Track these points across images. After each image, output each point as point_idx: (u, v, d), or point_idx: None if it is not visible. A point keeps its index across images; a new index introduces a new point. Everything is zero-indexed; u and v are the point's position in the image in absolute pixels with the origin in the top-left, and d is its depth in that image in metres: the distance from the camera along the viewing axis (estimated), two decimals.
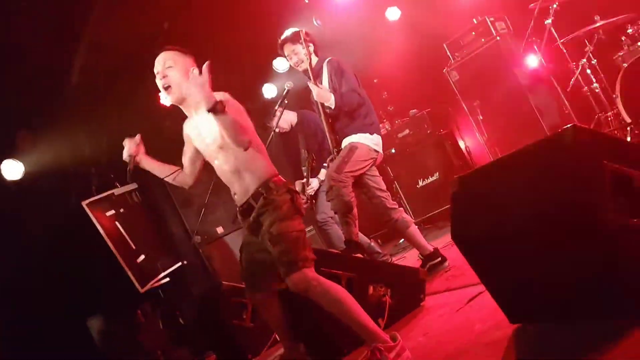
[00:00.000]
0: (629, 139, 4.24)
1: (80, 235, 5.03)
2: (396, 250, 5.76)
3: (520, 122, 5.32)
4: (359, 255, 3.68)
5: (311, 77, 3.93)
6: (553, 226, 1.87)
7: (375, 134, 3.92)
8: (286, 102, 4.39)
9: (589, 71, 4.79)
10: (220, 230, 6.07)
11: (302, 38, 3.95)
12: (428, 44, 6.26)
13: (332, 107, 3.83)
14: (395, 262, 4.72)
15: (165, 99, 2.76)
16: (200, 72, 2.49)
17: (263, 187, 2.69)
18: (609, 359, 1.66)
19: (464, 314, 2.74)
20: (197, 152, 2.94)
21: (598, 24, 4.54)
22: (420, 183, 6.10)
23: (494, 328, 2.30)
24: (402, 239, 5.41)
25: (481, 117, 5.68)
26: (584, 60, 4.73)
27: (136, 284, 4.94)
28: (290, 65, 4.23)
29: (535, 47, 5.11)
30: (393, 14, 6.43)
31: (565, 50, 4.82)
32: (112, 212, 5.21)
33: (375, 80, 6.67)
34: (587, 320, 1.91)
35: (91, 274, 5.08)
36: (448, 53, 5.86)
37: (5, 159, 4.99)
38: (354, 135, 3.88)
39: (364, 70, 5.36)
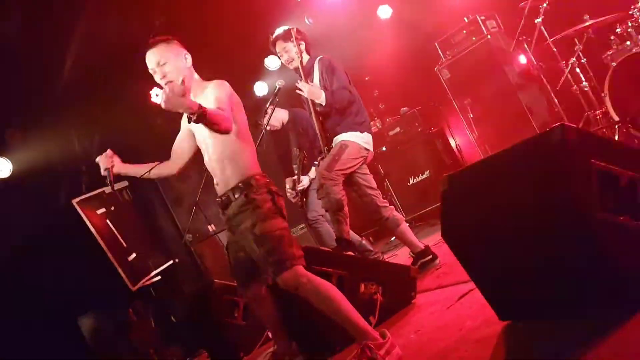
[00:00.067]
0: (617, 137, 4.28)
1: (70, 234, 5.01)
2: (387, 248, 5.77)
3: (510, 121, 5.35)
4: (350, 253, 3.69)
5: (302, 75, 3.93)
6: (541, 224, 1.89)
7: (365, 133, 3.93)
8: (277, 100, 4.39)
9: (578, 70, 4.83)
10: (211, 228, 6.06)
11: (294, 36, 3.95)
12: (419, 42, 6.29)
13: (323, 104, 3.83)
14: (387, 260, 4.73)
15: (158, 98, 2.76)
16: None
17: (244, 183, 2.68)
18: (596, 355, 1.68)
19: (455, 311, 2.75)
20: (189, 141, 2.93)
21: (587, 23, 4.58)
22: (411, 181, 6.13)
23: (484, 325, 2.32)
24: (393, 237, 5.42)
25: (472, 115, 5.71)
26: (574, 59, 4.76)
27: (127, 282, 4.94)
28: (281, 63, 4.23)
29: (525, 45, 5.15)
30: (384, 12, 6.45)
31: (555, 49, 4.86)
32: (103, 210, 5.20)
33: (366, 78, 6.68)
34: (576, 317, 1.93)
35: (82, 273, 5.06)
36: (439, 51, 5.89)
37: None
38: (344, 134, 3.89)
39: (355, 68, 5.36)
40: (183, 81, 2.52)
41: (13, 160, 5.06)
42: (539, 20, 4.76)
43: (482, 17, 5.50)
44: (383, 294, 3.17)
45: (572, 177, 1.79)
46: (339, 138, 3.90)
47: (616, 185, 1.84)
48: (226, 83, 2.74)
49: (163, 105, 2.34)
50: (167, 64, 2.72)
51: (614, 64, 4.30)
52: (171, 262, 5.88)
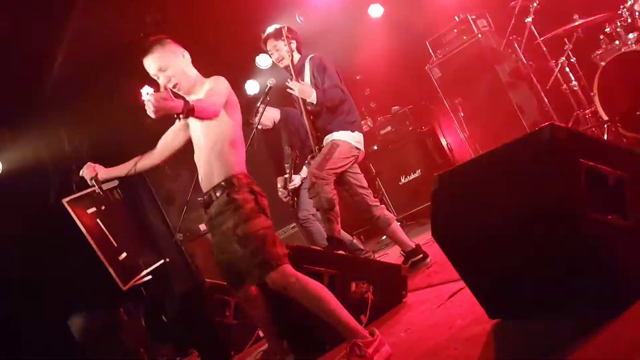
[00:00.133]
0: (606, 136, 4.31)
1: (61, 233, 4.98)
2: (378, 247, 5.79)
3: (501, 120, 5.38)
4: (342, 252, 3.69)
5: (293, 74, 3.93)
6: (531, 223, 1.90)
7: (357, 132, 3.94)
8: (268, 99, 4.39)
9: (568, 69, 4.86)
10: (202, 227, 6.05)
11: (285, 35, 3.94)
12: (410, 41, 6.30)
13: (315, 102, 3.82)
14: (378, 259, 4.75)
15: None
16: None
17: (226, 182, 2.66)
18: (585, 353, 1.69)
19: (445, 309, 2.77)
20: (181, 133, 2.92)
21: (577, 23, 4.61)
22: (402, 180, 6.14)
23: (474, 323, 2.33)
24: (384, 236, 5.44)
25: (462, 114, 5.73)
26: (563, 58, 4.79)
27: (118, 282, 4.91)
28: (273, 62, 4.23)
29: (515, 45, 5.17)
30: (376, 11, 6.45)
31: (545, 48, 4.89)
32: (94, 209, 5.17)
33: (357, 77, 6.69)
34: (564, 315, 1.95)
35: (72, 272, 5.04)
36: (430, 50, 5.90)
37: None
38: (335, 133, 3.89)
39: (346, 67, 5.37)
40: (165, 87, 2.54)
41: (2, 159, 5.03)
42: (529, 19, 4.79)
43: (473, 16, 5.52)
44: (374, 292, 3.18)
45: (561, 177, 1.80)
46: (330, 137, 3.90)
47: (605, 184, 1.85)
48: (223, 79, 2.74)
49: (153, 116, 2.35)
50: (170, 68, 2.71)
51: (603, 63, 4.33)
52: (162, 261, 5.86)
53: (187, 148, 2.94)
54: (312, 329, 2.95)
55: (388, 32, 6.52)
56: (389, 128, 6.29)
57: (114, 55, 5.14)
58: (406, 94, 6.53)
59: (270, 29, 4.05)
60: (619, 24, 4.32)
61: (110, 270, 4.87)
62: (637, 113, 4.15)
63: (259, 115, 4.61)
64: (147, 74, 2.77)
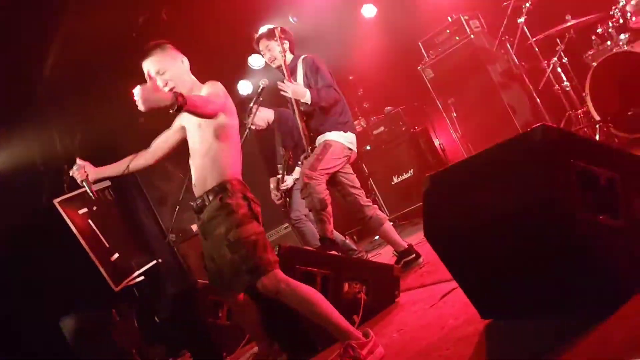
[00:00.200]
0: (597, 136, 4.32)
1: (52, 234, 4.95)
2: (371, 247, 5.79)
3: (493, 120, 5.39)
4: (334, 252, 3.69)
5: (285, 74, 3.92)
6: (522, 223, 1.90)
7: (349, 132, 3.93)
8: (261, 99, 4.38)
9: (560, 70, 4.88)
10: (194, 228, 6.03)
11: (277, 35, 3.93)
12: (403, 42, 6.31)
13: (309, 102, 3.81)
14: (370, 259, 4.74)
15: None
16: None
17: (219, 186, 2.64)
18: (577, 353, 1.70)
19: (438, 309, 2.77)
20: (176, 135, 2.91)
21: (569, 24, 4.63)
22: (395, 180, 6.14)
23: (466, 324, 2.34)
24: (377, 236, 5.44)
25: (455, 115, 5.74)
26: (555, 58, 4.81)
27: (110, 283, 4.88)
28: (266, 62, 4.22)
29: (508, 45, 5.19)
30: (369, 11, 6.45)
31: (537, 49, 4.90)
32: (85, 210, 5.13)
33: (350, 77, 6.69)
34: (556, 315, 1.95)
35: (64, 273, 5.00)
36: (423, 51, 5.91)
37: None
38: (328, 133, 3.89)
39: (339, 67, 5.37)
40: (149, 76, 2.56)
41: None
42: (522, 20, 4.81)
43: (466, 17, 5.53)
44: (367, 293, 3.18)
45: (553, 177, 1.81)
46: (323, 138, 3.89)
47: (596, 184, 1.86)
48: (220, 84, 2.74)
49: (142, 109, 2.33)
50: (168, 72, 2.71)
51: (594, 63, 4.35)
52: (154, 262, 5.83)
53: (183, 149, 2.93)
54: (304, 330, 2.95)
55: (381, 33, 6.52)
56: (381, 128, 6.29)
57: (107, 55, 5.12)
58: (399, 94, 6.53)
59: (262, 29, 4.05)
60: (610, 24, 4.33)
61: (102, 271, 4.84)
62: (629, 113, 4.17)
63: (252, 115, 4.60)
64: (142, 74, 2.76)
